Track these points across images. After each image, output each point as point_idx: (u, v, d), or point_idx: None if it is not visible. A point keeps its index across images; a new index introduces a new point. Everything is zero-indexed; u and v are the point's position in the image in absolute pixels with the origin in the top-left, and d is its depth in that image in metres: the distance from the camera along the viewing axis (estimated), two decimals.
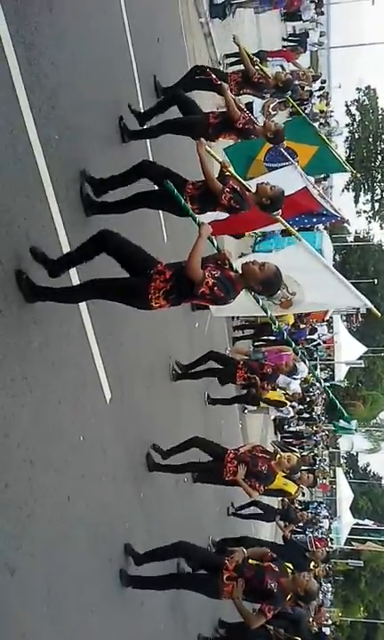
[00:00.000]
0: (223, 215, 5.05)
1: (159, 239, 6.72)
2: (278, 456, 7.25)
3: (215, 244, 4.16)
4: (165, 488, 6.46)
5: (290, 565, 6.02)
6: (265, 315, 5.42)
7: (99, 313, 4.64)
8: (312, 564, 10.58)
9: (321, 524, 22.76)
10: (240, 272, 3.98)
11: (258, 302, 4.83)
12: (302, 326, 18.07)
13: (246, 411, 13.58)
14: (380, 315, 6.34)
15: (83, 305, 4.40)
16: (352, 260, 41.72)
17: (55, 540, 3.72)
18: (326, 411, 25.12)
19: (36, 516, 3.49)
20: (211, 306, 6.09)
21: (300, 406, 19.74)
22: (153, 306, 3.79)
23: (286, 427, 20.54)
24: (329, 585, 25.51)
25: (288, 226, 6.42)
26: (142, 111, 6.10)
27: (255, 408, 12.00)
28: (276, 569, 5.21)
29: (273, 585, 5.06)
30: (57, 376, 3.96)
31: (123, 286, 3.80)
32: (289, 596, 5.37)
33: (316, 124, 14.28)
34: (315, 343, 21.26)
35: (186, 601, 6.36)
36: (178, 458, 6.47)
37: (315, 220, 7.80)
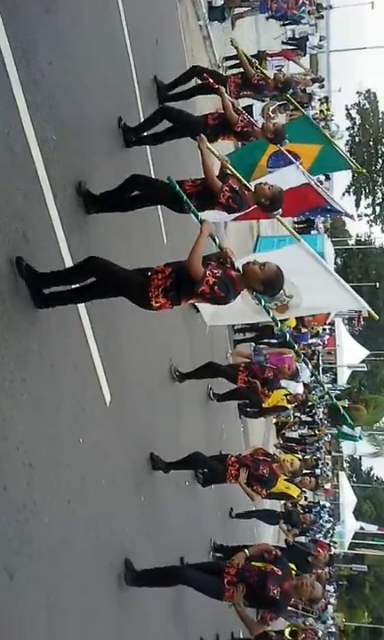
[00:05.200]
0: (222, 214, 5.02)
1: (159, 241, 6.70)
2: (281, 459, 7.22)
3: (217, 242, 4.13)
4: (166, 491, 6.41)
5: (293, 567, 5.97)
6: (263, 319, 5.38)
7: (98, 315, 4.61)
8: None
9: (323, 528, 22.65)
10: (241, 272, 3.96)
11: (260, 302, 4.79)
12: (304, 330, 18.04)
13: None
14: (377, 317, 6.32)
15: (82, 307, 4.37)
16: (353, 264, 41.80)
17: (55, 544, 3.68)
18: (329, 414, 25.03)
19: (35, 519, 3.45)
20: (204, 310, 6.03)
21: (301, 410, 19.66)
22: (153, 305, 3.75)
23: (287, 433, 20.44)
24: (332, 588, 25.35)
25: (288, 227, 6.39)
26: (132, 126, 6.06)
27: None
28: (279, 572, 5.12)
29: (275, 592, 4.96)
30: (56, 378, 3.92)
31: (123, 277, 3.77)
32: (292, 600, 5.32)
33: None
34: (315, 347, 21.20)
35: (188, 604, 6.30)
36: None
37: (319, 215, 7.77)
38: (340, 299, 6.11)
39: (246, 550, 5.26)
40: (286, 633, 8.35)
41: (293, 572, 5.38)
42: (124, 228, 5.51)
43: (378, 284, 35.84)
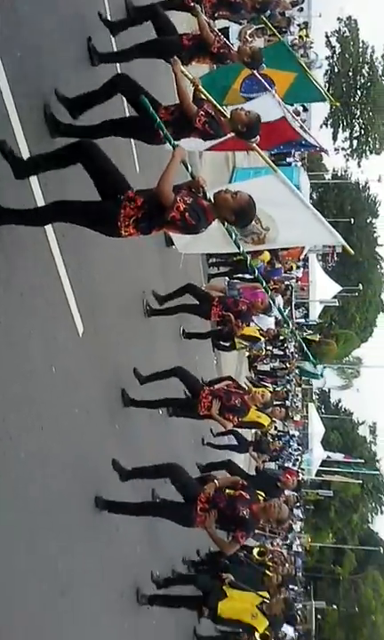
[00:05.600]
0: (198, 142, 4.86)
1: (131, 170, 6.51)
2: (253, 390, 7.41)
3: (189, 169, 4.02)
4: (140, 420, 6.53)
5: (261, 493, 6.21)
6: (236, 251, 5.33)
7: (68, 245, 4.51)
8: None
9: (292, 456, 23.53)
10: (213, 201, 3.88)
11: (231, 236, 4.73)
12: (278, 265, 18.02)
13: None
14: (353, 252, 6.31)
15: (51, 236, 4.27)
16: (329, 199, 41.42)
17: (30, 471, 3.75)
18: (299, 348, 25.52)
19: (9, 448, 3.49)
20: (177, 239, 5.94)
21: (273, 344, 19.96)
22: (122, 233, 3.67)
23: (259, 366, 20.81)
24: (299, 512, 26.63)
25: (265, 157, 6.26)
26: (115, 21, 5.78)
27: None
28: (247, 496, 5.37)
29: (245, 512, 5.23)
30: (26, 307, 3.88)
31: (91, 211, 3.67)
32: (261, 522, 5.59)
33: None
34: (289, 281, 21.31)
35: (160, 525, 6.54)
36: (153, 394, 6.51)
37: (293, 148, 7.66)
38: (317, 233, 6.06)
39: (216, 481, 5.46)
40: (255, 552, 8.83)
41: (261, 498, 5.63)
42: None
43: (352, 219, 35.75)
